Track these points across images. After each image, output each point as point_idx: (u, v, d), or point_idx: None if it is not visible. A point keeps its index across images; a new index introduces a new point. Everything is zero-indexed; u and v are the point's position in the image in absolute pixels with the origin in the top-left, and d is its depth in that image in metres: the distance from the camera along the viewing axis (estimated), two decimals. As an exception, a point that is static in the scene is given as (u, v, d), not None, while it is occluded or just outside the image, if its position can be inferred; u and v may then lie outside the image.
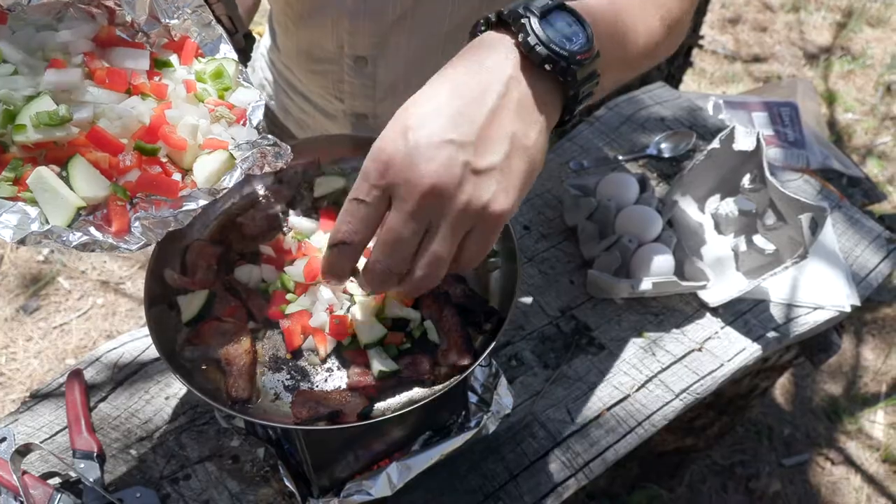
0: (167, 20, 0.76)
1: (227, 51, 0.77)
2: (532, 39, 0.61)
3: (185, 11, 0.75)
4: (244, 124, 0.73)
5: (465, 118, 0.59)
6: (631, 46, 0.75)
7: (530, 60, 0.62)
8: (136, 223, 0.64)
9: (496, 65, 0.62)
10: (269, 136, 0.71)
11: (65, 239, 0.61)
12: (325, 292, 0.80)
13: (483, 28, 0.66)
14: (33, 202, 0.63)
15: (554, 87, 0.64)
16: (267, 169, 0.70)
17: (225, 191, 0.67)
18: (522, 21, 0.61)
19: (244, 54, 0.83)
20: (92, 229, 0.63)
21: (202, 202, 0.65)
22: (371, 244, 0.63)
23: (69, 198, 0.63)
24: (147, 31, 0.76)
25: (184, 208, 0.64)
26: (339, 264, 0.64)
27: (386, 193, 0.60)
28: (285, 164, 0.71)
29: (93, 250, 0.62)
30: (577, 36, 0.63)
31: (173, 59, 0.76)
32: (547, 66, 0.62)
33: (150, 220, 0.64)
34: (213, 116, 0.73)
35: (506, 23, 0.63)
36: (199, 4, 0.75)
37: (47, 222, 0.62)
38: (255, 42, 0.88)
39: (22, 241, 0.59)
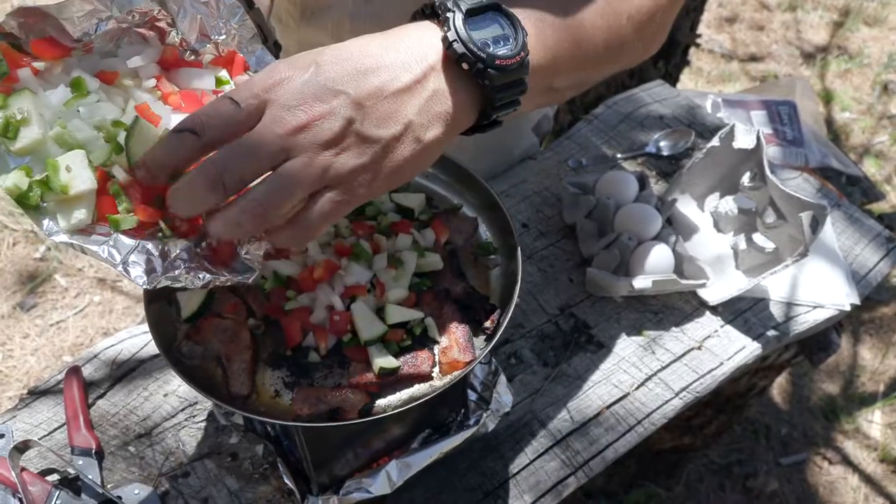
0: (216, 36, 0.75)
1: (270, 60, 0.77)
2: (451, 35, 0.60)
3: (233, 26, 0.75)
4: None
5: (371, 82, 0.58)
6: (588, 47, 0.72)
7: (449, 57, 0.60)
8: (242, 249, 0.63)
9: (420, 50, 0.60)
10: None
11: (193, 281, 0.60)
12: (325, 290, 0.80)
13: (419, 17, 0.65)
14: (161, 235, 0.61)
15: (472, 88, 0.62)
16: None
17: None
18: (448, 14, 0.60)
19: None
20: (206, 264, 0.62)
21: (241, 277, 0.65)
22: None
23: None
24: (198, 49, 0.75)
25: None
26: (173, 154, 0.57)
27: (260, 108, 0.56)
28: None
29: (215, 286, 0.61)
30: (505, 40, 0.61)
31: (223, 74, 0.76)
32: (464, 66, 0.60)
33: (252, 245, 0.63)
34: None
35: (436, 14, 0.62)
36: (244, 18, 0.75)
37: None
38: (282, 49, 0.88)
39: (155, 287, 0.59)
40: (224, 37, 0.75)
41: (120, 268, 0.58)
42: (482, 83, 0.61)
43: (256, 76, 0.58)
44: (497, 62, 0.60)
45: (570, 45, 0.70)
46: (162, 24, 0.74)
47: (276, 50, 0.82)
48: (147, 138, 0.62)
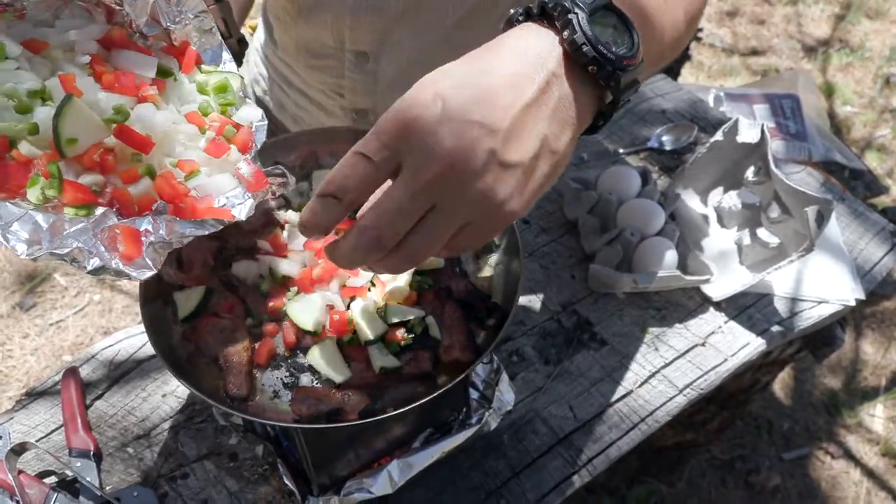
0: (168, 24, 0.73)
1: (227, 59, 0.75)
2: (579, 38, 0.56)
3: (188, 16, 0.73)
4: (248, 149, 0.71)
5: (500, 103, 0.54)
6: (660, 43, 0.71)
7: (573, 60, 0.57)
8: (149, 248, 0.60)
9: (539, 57, 0.56)
10: (279, 167, 0.69)
11: (81, 263, 0.58)
12: (324, 291, 0.79)
13: (521, 18, 0.61)
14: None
15: (594, 91, 0.59)
16: (268, 197, 0.68)
17: (230, 222, 0.64)
18: (570, 16, 0.56)
19: (237, 59, 0.81)
20: (101, 248, 0.59)
21: (210, 230, 0.62)
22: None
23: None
24: (146, 33, 0.74)
25: (186, 231, 0.61)
26: (321, 218, 0.57)
27: (396, 158, 0.54)
28: (286, 191, 0.70)
29: (103, 276, 0.58)
30: (623, 39, 0.59)
31: (172, 65, 0.74)
32: (591, 69, 0.57)
33: (159, 242, 0.60)
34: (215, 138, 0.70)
35: (549, 16, 0.58)
36: (202, 9, 0.73)
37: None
38: (247, 46, 0.86)
39: (35, 259, 0.56)
40: (178, 25, 0.73)
41: None
42: (606, 86, 0.59)
43: (381, 121, 0.55)
44: (624, 63, 0.58)
45: (650, 44, 0.67)
46: (109, 2, 0.73)
47: (240, 47, 0.80)
48: (81, 119, 0.60)
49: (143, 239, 0.59)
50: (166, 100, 0.71)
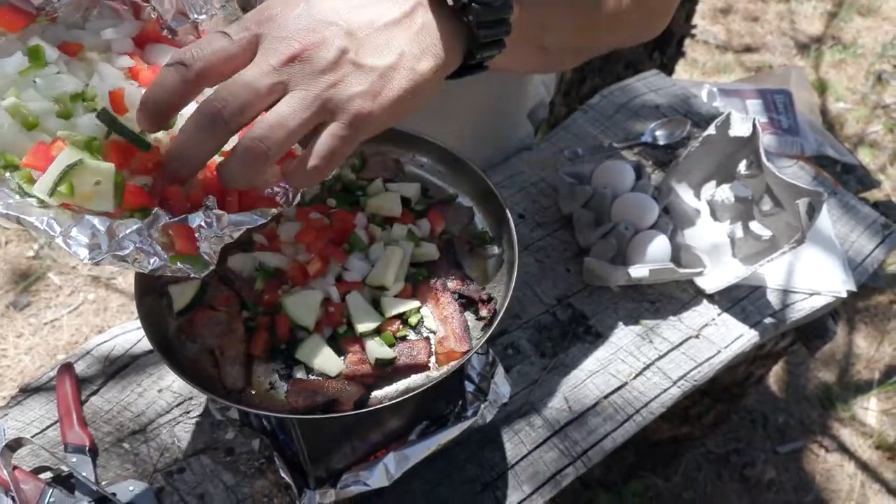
0: (195, 16, 0.73)
1: None
2: None
3: (214, 6, 0.73)
4: None
5: (363, 15, 0.59)
6: (582, 7, 0.72)
7: None
8: (204, 243, 0.59)
9: None
10: None
11: (141, 264, 0.57)
12: (319, 284, 0.79)
13: None
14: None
15: (458, 26, 0.63)
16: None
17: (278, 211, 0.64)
18: None
19: None
20: (158, 248, 0.59)
21: (258, 221, 0.61)
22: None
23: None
24: (175, 28, 0.74)
25: (235, 223, 0.60)
26: (167, 90, 0.57)
27: (254, 42, 0.57)
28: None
29: (163, 274, 0.58)
30: None
31: None
32: (449, 1, 0.61)
33: (213, 237, 0.59)
34: None
35: None
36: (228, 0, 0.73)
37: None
38: None
39: (98, 263, 0.56)
40: (204, 17, 0.73)
41: (59, 240, 0.55)
42: (466, 19, 0.62)
43: (248, 13, 0.58)
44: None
45: (563, 1, 0.70)
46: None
47: None
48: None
49: (196, 235, 0.59)
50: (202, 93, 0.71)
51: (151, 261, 0.58)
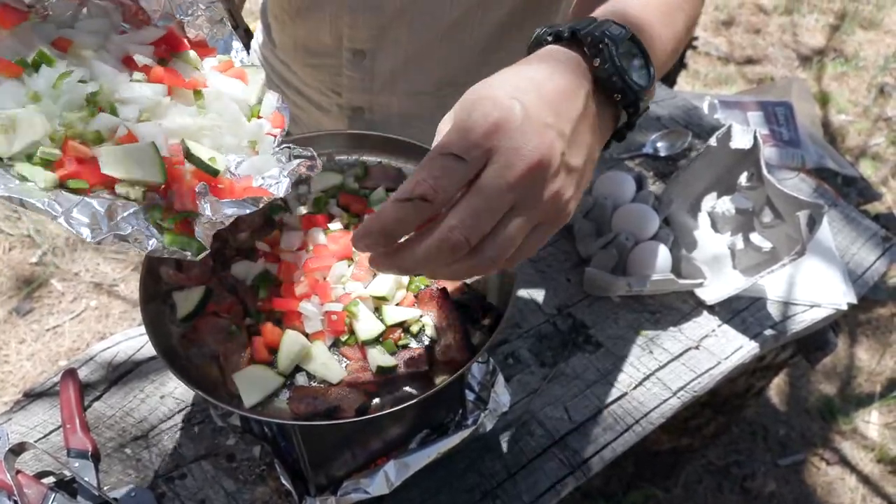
0: (181, 16, 0.75)
1: (238, 48, 0.77)
2: (610, 68, 0.60)
3: (199, 7, 0.75)
4: (283, 126, 0.75)
5: (563, 110, 0.57)
6: (663, 56, 0.74)
7: (600, 85, 0.61)
8: (199, 228, 0.62)
9: (578, 76, 0.60)
10: (310, 150, 0.72)
11: (142, 244, 0.59)
12: (311, 307, 0.79)
13: (549, 39, 0.64)
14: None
15: (612, 112, 0.64)
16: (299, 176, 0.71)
17: (274, 199, 0.66)
18: (601, 47, 0.60)
19: (244, 50, 0.83)
20: (154, 230, 0.61)
21: (250, 208, 0.64)
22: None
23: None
24: (159, 26, 0.75)
25: (228, 211, 0.63)
26: (406, 222, 0.54)
27: (485, 156, 0.54)
28: (313, 174, 0.72)
29: (160, 255, 0.60)
30: (644, 70, 0.63)
31: (192, 56, 0.76)
32: (617, 96, 0.61)
33: (207, 222, 0.62)
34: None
35: (579, 41, 0.61)
36: (211, 0, 0.75)
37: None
38: (252, 38, 0.88)
39: (100, 242, 0.58)
40: (190, 17, 0.75)
41: (61, 219, 0.57)
42: (628, 111, 0.63)
43: (467, 120, 0.54)
44: (644, 94, 0.62)
45: (656, 60, 0.70)
46: None
47: (246, 38, 0.82)
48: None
49: (190, 219, 0.61)
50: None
51: (150, 242, 0.59)
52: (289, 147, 0.73)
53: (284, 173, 0.69)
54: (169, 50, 0.74)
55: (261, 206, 0.64)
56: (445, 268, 0.56)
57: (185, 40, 0.76)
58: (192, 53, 0.75)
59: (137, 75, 0.70)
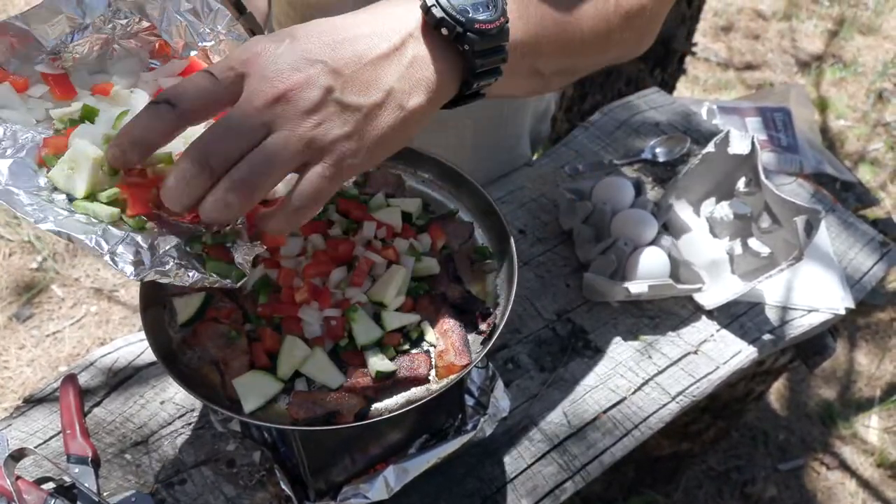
0: (203, 43, 0.75)
1: None
2: (430, 0, 0.59)
3: (220, 31, 0.75)
4: None
5: (349, 51, 0.57)
6: (574, 30, 0.72)
7: (427, 23, 0.60)
8: (237, 255, 0.62)
9: (398, 19, 0.60)
10: None
11: (182, 278, 0.59)
12: (310, 312, 0.79)
13: None
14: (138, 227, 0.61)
15: (453, 56, 0.62)
16: None
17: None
18: None
19: None
20: (194, 261, 0.61)
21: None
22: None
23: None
24: (184, 57, 0.75)
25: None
26: (150, 129, 0.56)
27: (238, 82, 0.56)
28: None
29: (202, 285, 0.60)
30: (484, 7, 0.61)
31: None
32: (443, 31, 0.60)
33: (244, 246, 0.63)
34: None
35: None
36: (234, 23, 0.75)
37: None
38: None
39: (143, 279, 0.58)
40: (212, 43, 0.75)
41: (107, 257, 0.57)
42: (462, 48, 0.61)
43: (233, 51, 0.58)
44: (476, 26, 0.60)
45: (554, 26, 0.69)
46: (146, 35, 0.75)
47: None
48: None
49: (228, 246, 0.62)
50: None
51: (190, 274, 0.60)
52: None
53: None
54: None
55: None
56: (211, 199, 0.55)
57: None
58: None
59: None
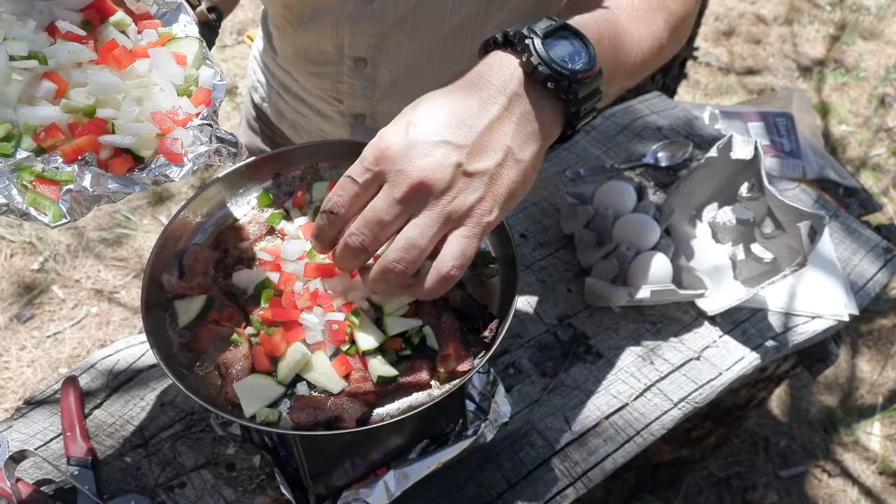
0: None
1: (186, 21, 0.77)
2: (535, 59, 0.65)
3: None
4: (209, 104, 0.73)
5: (466, 124, 0.64)
6: (635, 54, 0.77)
7: (533, 79, 0.65)
8: (67, 196, 0.60)
9: (501, 82, 0.66)
10: (234, 135, 0.71)
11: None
12: (312, 317, 0.78)
13: (490, 48, 0.69)
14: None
15: (556, 104, 0.68)
16: (216, 164, 0.70)
17: (167, 182, 0.66)
18: (526, 42, 0.65)
19: (210, 29, 0.85)
20: (14, 191, 0.59)
21: (136, 189, 0.64)
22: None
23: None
24: None
25: (111, 187, 0.63)
26: (325, 230, 0.69)
27: (377, 179, 0.64)
28: (234, 162, 0.72)
29: (6, 215, 0.59)
30: (579, 55, 0.67)
31: (131, 30, 0.76)
32: (549, 85, 0.65)
33: (79, 192, 0.61)
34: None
35: (511, 43, 0.67)
36: None
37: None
38: (222, 16, 0.88)
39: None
40: None
41: None
42: (567, 97, 0.67)
43: (364, 150, 0.65)
44: (579, 76, 0.66)
45: (625, 55, 0.75)
46: None
47: (213, 15, 0.83)
48: None
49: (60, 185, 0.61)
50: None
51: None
52: (210, 126, 0.70)
53: (191, 156, 0.67)
54: (98, 16, 0.74)
55: (149, 188, 0.64)
56: (370, 274, 0.67)
57: (125, 10, 0.75)
58: (120, 16, 0.75)
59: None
